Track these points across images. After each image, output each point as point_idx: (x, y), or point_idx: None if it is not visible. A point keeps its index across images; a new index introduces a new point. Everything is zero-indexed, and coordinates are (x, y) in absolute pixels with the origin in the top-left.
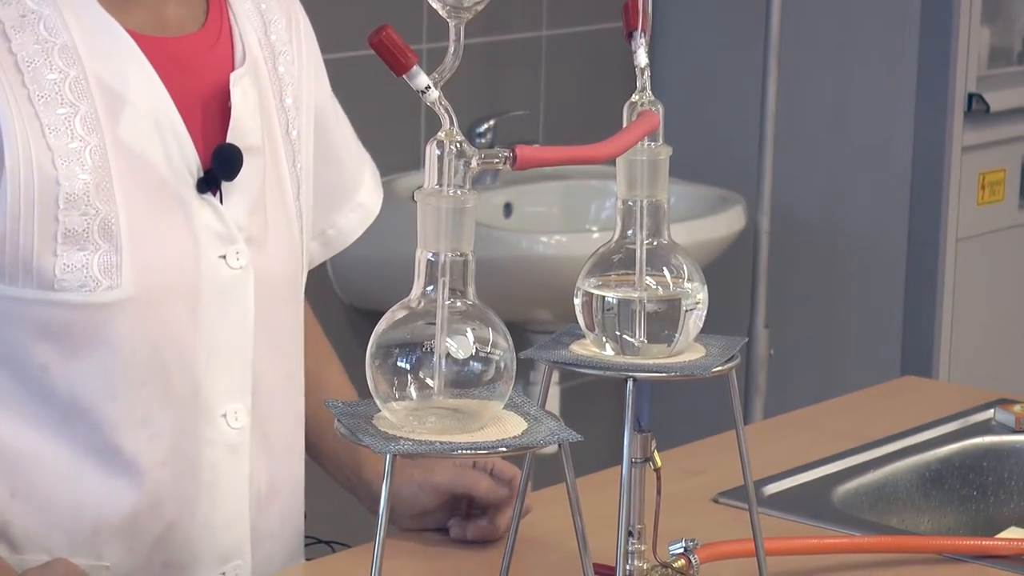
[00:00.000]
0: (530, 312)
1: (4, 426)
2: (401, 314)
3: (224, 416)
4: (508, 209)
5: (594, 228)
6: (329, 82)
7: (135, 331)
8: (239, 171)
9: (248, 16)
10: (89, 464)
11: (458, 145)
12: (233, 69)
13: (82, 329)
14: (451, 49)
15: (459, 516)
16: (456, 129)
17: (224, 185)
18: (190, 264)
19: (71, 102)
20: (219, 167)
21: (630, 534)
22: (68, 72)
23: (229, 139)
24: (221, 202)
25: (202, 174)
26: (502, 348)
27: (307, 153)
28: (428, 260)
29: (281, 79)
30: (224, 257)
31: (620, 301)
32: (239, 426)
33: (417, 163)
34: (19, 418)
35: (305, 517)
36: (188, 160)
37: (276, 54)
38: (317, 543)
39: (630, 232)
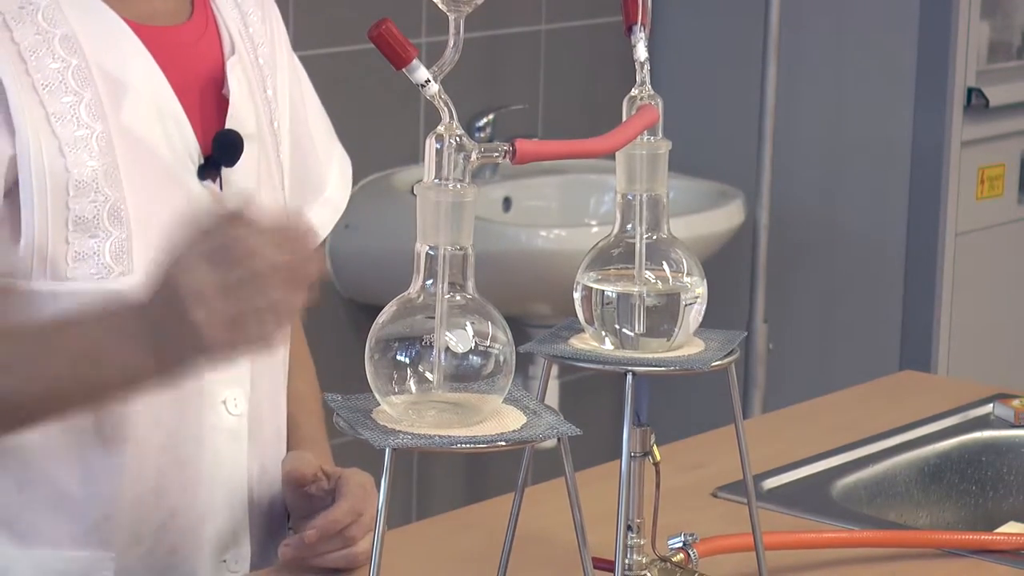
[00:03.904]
0: (529, 306)
1: None
2: (400, 308)
3: (224, 403)
4: (507, 203)
5: (593, 222)
6: (308, 75)
7: None
8: (240, 157)
9: (228, 8)
10: (95, 452)
11: (457, 139)
12: (223, 58)
13: None
14: (450, 43)
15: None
16: (455, 123)
17: (223, 171)
18: None
19: (75, 90)
20: (220, 153)
21: (629, 528)
22: (70, 61)
23: (228, 125)
24: (220, 188)
25: (202, 160)
26: (501, 342)
27: (287, 144)
28: (427, 254)
29: (262, 70)
30: None
31: (619, 295)
32: (239, 412)
33: (417, 157)
34: None
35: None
36: (189, 146)
37: (255, 46)
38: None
39: (629, 226)
